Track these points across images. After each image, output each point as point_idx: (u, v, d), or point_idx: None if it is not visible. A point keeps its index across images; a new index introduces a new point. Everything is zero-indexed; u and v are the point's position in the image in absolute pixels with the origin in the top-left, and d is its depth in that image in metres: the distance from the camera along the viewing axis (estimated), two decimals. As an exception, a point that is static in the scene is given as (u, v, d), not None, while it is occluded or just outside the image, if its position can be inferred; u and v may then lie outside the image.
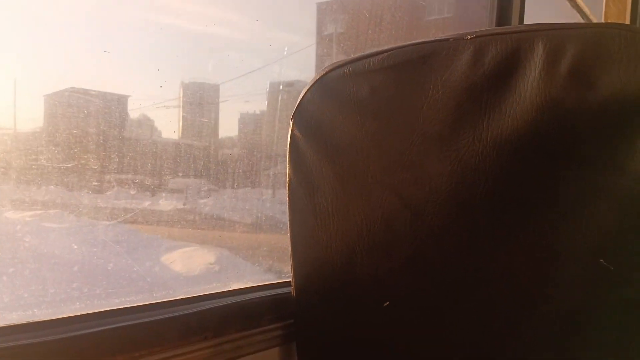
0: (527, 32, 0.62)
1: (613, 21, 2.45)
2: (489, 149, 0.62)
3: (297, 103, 0.76)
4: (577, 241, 0.58)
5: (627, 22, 2.66)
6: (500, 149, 0.61)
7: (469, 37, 0.64)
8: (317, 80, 0.75)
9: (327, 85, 0.74)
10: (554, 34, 0.60)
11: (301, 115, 0.76)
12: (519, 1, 1.49)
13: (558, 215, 0.59)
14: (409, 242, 0.68)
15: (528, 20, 1.51)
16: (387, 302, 0.70)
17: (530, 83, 0.60)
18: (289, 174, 0.77)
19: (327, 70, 0.75)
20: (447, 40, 0.66)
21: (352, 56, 0.74)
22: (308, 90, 0.76)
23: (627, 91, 0.55)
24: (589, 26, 0.60)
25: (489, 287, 0.64)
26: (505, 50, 0.62)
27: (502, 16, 1.44)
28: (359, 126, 0.71)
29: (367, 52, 0.74)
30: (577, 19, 2.04)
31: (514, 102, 0.60)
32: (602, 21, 2.32)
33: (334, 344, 0.74)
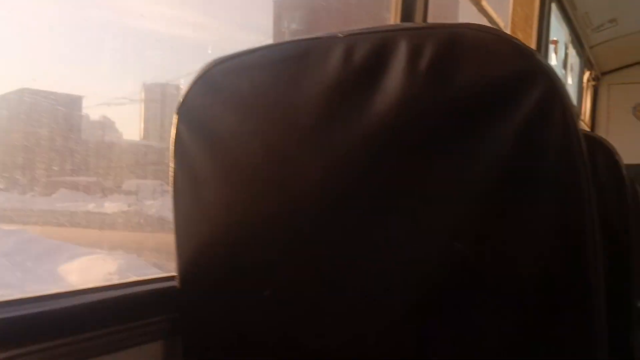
0: (392, 31, 0.65)
1: (521, 25, 2.59)
2: (359, 143, 0.65)
3: (182, 97, 0.77)
4: (438, 227, 0.62)
5: (534, 26, 2.81)
6: (368, 144, 0.64)
7: (340, 35, 0.67)
8: (201, 75, 0.76)
9: (210, 80, 0.75)
10: (415, 34, 0.63)
11: (186, 110, 0.77)
12: (422, 3, 1.55)
13: (420, 203, 0.62)
14: (289, 234, 0.70)
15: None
16: (267, 292, 0.71)
17: (394, 80, 0.63)
18: (173, 168, 0.77)
19: (211, 65, 0.76)
20: (320, 38, 0.69)
21: (235, 52, 0.75)
22: (192, 84, 0.76)
23: (478, 87, 0.59)
24: (445, 26, 0.63)
25: (363, 275, 0.67)
26: (373, 49, 0.65)
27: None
28: (240, 121, 0.73)
29: (249, 48, 0.76)
30: (485, 22, 2.15)
31: (380, 99, 0.63)
32: (509, 25, 2.43)
33: (217, 336, 0.75)
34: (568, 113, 0.57)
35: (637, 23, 4.09)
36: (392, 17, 1.49)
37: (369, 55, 0.65)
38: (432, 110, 0.61)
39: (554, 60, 3.30)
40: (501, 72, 0.58)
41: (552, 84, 0.57)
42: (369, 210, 0.65)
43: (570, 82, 3.99)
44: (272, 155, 0.70)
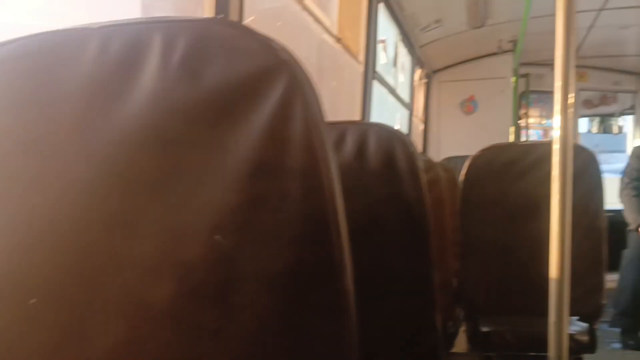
0: (147, 24, 0.65)
1: (348, 24, 2.71)
2: (119, 139, 0.64)
3: None
4: (197, 221, 0.63)
5: (363, 25, 2.96)
6: (128, 138, 0.63)
7: (95, 27, 0.65)
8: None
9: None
10: (170, 27, 0.63)
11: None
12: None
13: (179, 197, 0.63)
14: (52, 236, 0.67)
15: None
16: (34, 300, 0.68)
17: (150, 74, 0.62)
18: None
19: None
20: (76, 30, 0.66)
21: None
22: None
23: (227, 82, 0.60)
24: (199, 20, 0.64)
25: (129, 275, 0.66)
26: (128, 43, 0.64)
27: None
28: (-1, 118, 0.68)
29: (12, 38, 0.71)
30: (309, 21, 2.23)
31: (137, 94, 0.63)
32: (336, 25, 2.55)
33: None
34: (308, 107, 0.61)
35: (460, 24, 4.50)
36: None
37: (124, 49, 0.64)
38: (185, 105, 0.62)
39: (383, 59, 3.51)
40: (248, 68, 0.61)
41: (294, 79, 0.60)
42: (132, 207, 0.64)
43: (402, 79, 4.27)
44: (31, 154, 0.67)
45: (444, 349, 2.54)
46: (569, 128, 1.51)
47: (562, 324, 1.54)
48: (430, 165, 2.37)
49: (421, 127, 5.69)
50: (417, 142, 5.63)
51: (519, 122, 6.23)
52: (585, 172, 2.24)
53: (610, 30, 5.11)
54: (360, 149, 1.34)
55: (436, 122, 5.83)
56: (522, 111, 6.27)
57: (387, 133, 1.34)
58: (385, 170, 1.35)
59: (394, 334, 1.48)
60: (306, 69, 0.63)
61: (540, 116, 6.67)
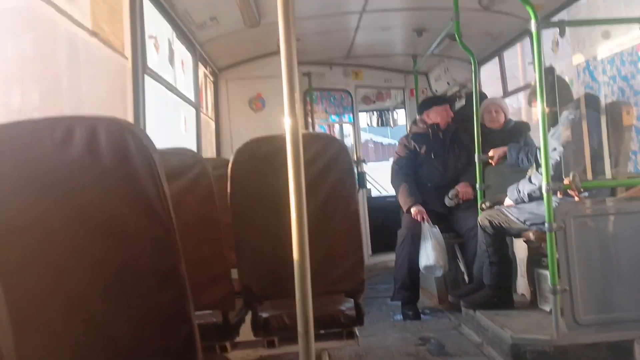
0: None
1: (105, 18, 2.60)
2: None
3: None
4: None
5: (126, 19, 2.86)
6: None
7: None
8: None
9: None
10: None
11: None
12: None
13: None
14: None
15: None
16: None
17: None
18: None
19: None
20: None
21: None
22: None
23: None
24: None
25: None
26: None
27: None
28: None
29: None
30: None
31: None
32: (90, 18, 2.41)
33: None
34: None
35: (236, 23, 4.58)
36: None
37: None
38: None
39: (155, 56, 3.44)
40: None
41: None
42: None
43: (182, 77, 4.23)
44: None
45: (229, 340, 2.59)
46: (298, 121, 1.64)
47: (307, 301, 1.66)
48: (197, 160, 2.39)
49: (212, 125, 5.70)
50: (210, 140, 5.64)
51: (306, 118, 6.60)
52: (337, 161, 2.45)
53: (375, 31, 5.62)
54: (91, 145, 1.29)
55: (227, 119, 5.89)
56: (307, 108, 6.62)
57: (118, 127, 1.31)
58: (119, 165, 1.32)
59: (147, 329, 1.46)
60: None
61: (325, 112, 7.10)
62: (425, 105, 5.30)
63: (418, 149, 5.09)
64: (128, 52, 2.90)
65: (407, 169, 5.08)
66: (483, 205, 4.33)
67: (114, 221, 1.36)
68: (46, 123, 1.33)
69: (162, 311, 1.47)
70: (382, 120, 8.35)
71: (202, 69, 5.08)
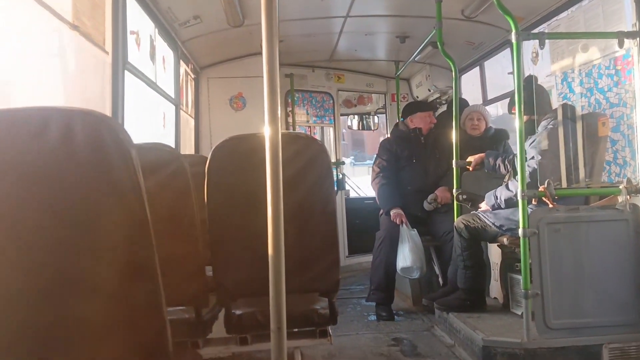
0: None
1: (87, 12, 2.58)
2: None
3: None
4: None
5: (108, 15, 2.85)
6: None
7: None
8: None
9: None
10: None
11: None
12: None
13: None
14: None
15: None
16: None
17: None
18: None
19: None
20: None
21: None
22: None
23: None
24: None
25: None
26: None
27: None
28: None
29: None
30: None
31: None
32: (71, 12, 2.39)
33: None
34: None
35: (219, 22, 4.58)
36: None
37: None
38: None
39: (136, 52, 3.42)
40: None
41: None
42: None
43: (162, 74, 4.20)
44: None
45: (201, 336, 2.59)
46: (278, 121, 1.66)
47: (280, 299, 1.67)
48: (174, 155, 2.39)
49: (192, 122, 5.68)
50: (189, 137, 5.61)
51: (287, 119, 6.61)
52: (316, 160, 2.46)
53: (358, 36, 5.66)
54: (66, 136, 1.28)
55: (207, 117, 5.87)
56: (289, 109, 6.63)
57: (94, 119, 1.31)
58: (94, 157, 1.32)
59: (118, 322, 1.46)
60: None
61: (306, 114, 7.12)
62: (409, 110, 5.35)
63: (400, 152, 5.13)
64: (109, 46, 2.89)
65: (388, 172, 5.12)
66: (460, 197, 4.39)
67: (87, 213, 1.35)
68: (21, 113, 1.33)
69: (133, 305, 1.46)
70: (363, 124, 8.39)
71: (183, 67, 5.06)
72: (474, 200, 4.29)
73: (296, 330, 2.50)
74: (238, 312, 2.52)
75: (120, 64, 3.00)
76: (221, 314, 2.62)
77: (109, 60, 2.91)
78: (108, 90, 2.92)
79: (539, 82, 3.97)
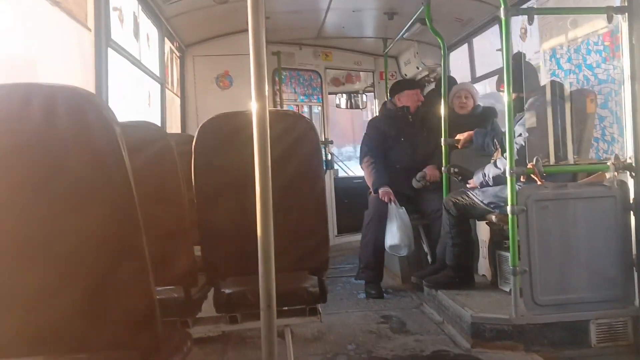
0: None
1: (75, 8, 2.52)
2: None
3: None
4: None
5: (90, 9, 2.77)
6: None
7: None
8: None
9: None
10: None
11: None
12: None
13: None
14: None
15: None
16: None
17: None
18: None
19: None
20: None
21: None
22: None
23: None
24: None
25: None
26: None
27: None
28: None
29: None
30: None
31: None
32: None
33: None
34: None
35: None
36: None
37: None
38: None
39: (119, 29, 3.35)
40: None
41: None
42: None
43: (147, 51, 4.13)
44: None
45: (191, 315, 2.58)
46: (265, 99, 1.63)
47: (270, 277, 1.65)
48: (160, 134, 2.35)
49: (178, 101, 5.61)
50: (176, 116, 5.55)
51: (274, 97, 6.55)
52: (304, 138, 2.44)
53: (346, 13, 5.59)
54: (49, 113, 1.25)
55: (193, 96, 5.80)
56: (276, 87, 6.57)
57: (77, 96, 1.28)
58: (77, 134, 1.29)
59: (107, 299, 1.44)
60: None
61: (294, 92, 7.05)
62: (397, 88, 5.32)
63: (388, 131, 5.12)
64: (91, 23, 2.82)
65: (376, 151, 5.11)
66: (451, 169, 4.40)
67: (72, 190, 1.33)
68: (3, 90, 1.29)
69: (121, 283, 1.45)
70: (351, 103, 8.34)
71: (168, 44, 4.97)
72: (465, 175, 4.30)
73: (286, 308, 2.49)
74: (227, 291, 2.50)
75: (103, 41, 2.94)
76: (210, 293, 2.61)
77: (91, 38, 2.85)
78: (91, 68, 2.86)
79: (527, 59, 3.95)
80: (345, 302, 4.68)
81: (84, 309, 1.40)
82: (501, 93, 3.66)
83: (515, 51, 3.94)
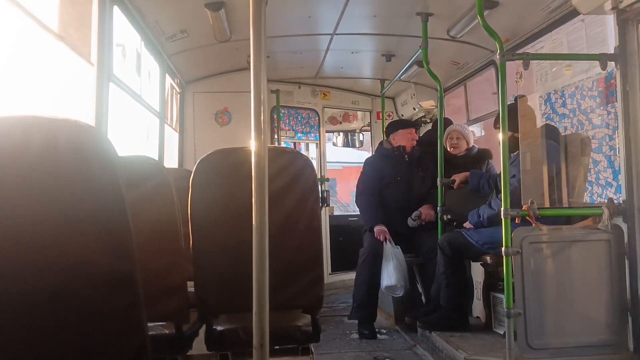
0: None
1: (74, 24, 2.57)
2: None
3: None
4: None
5: (94, 26, 2.83)
6: None
7: None
8: None
9: None
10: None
11: None
12: None
13: None
14: None
15: None
16: None
17: None
18: None
19: None
20: None
21: None
22: None
23: None
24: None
25: None
26: None
27: None
28: None
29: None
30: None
31: None
32: (58, 23, 2.38)
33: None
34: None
35: (206, 37, 4.58)
36: None
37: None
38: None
39: (122, 64, 3.41)
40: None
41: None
42: None
43: (148, 87, 4.18)
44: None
45: (181, 352, 2.54)
46: (264, 136, 1.65)
47: (264, 315, 1.64)
48: (158, 168, 2.36)
49: (176, 135, 5.65)
50: (174, 151, 5.58)
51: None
52: (301, 176, 2.45)
53: (345, 54, 5.70)
54: (50, 146, 1.26)
55: (192, 131, 5.85)
56: (274, 124, 6.63)
57: (78, 129, 1.29)
58: (77, 168, 1.29)
59: (97, 336, 1.43)
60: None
61: (292, 130, 7.11)
62: (391, 128, 5.38)
63: (384, 170, 5.15)
64: (94, 58, 2.87)
65: (373, 189, 5.13)
66: (444, 217, 4.41)
67: (69, 224, 1.33)
68: (4, 122, 1.30)
69: (113, 319, 1.43)
70: (347, 141, 8.41)
71: (169, 80, 5.04)
72: (459, 221, 4.31)
73: (277, 347, 2.46)
74: (219, 328, 2.47)
75: (105, 76, 2.98)
76: (202, 330, 2.57)
77: (94, 72, 2.89)
78: (92, 101, 2.90)
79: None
80: (338, 342, 4.62)
81: (75, 343, 1.38)
82: (498, 130, 3.70)
83: (510, 95, 4.01)
